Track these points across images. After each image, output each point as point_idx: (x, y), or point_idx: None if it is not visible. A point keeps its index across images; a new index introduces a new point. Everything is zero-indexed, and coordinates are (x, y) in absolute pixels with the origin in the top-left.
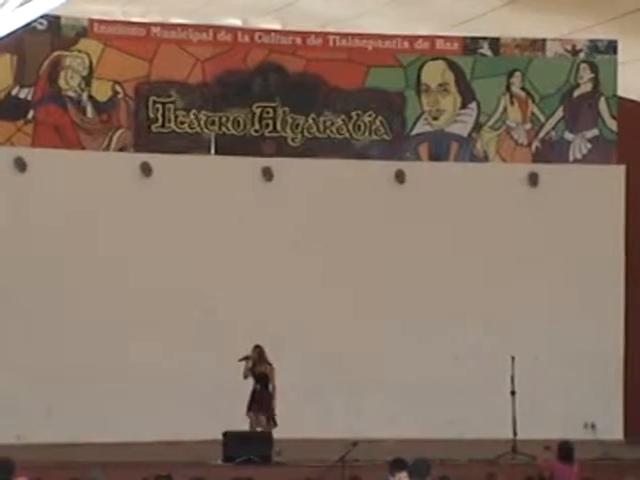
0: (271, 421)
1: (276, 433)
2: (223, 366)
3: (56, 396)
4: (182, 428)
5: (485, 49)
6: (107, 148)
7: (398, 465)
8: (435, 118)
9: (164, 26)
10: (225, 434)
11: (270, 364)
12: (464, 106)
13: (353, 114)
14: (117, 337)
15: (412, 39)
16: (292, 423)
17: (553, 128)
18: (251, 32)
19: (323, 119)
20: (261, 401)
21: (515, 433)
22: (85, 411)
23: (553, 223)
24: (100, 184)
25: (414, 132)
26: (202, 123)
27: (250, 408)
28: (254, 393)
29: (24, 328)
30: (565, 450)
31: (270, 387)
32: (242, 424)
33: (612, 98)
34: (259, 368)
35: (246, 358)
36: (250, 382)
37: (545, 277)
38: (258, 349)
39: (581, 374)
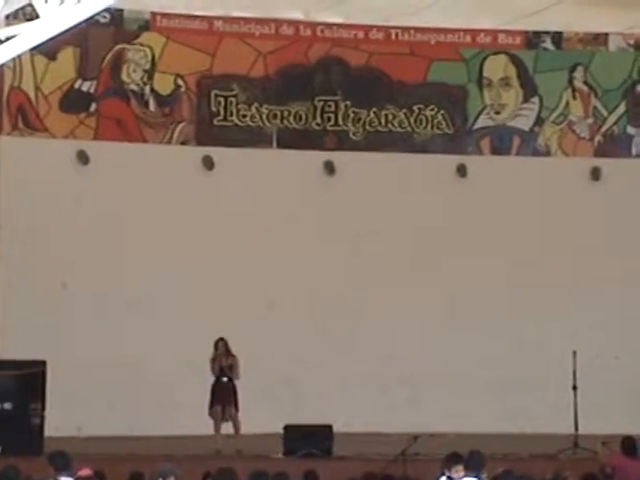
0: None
1: (338, 427)
2: (286, 359)
3: (117, 389)
4: (243, 421)
5: (547, 43)
6: (169, 141)
7: (454, 459)
8: (497, 112)
9: (226, 19)
10: (286, 427)
11: (234, 355)
12: (526, 100)
13: (415, 108)
14: (177, 330)
15: (474, 33)
16: (354, 417)
17: (615, 123)
18: (313, 26)
19: (385, 113)
20: (230, 393)
21: (577, 428)
22: (146, 404)
23: (615, 217)
24: (162, 177)
25: (476, 126)
26: (264, 117)
27: (218, 402)
28: (220, 386)
29: (84, 321)
30: (629, 445)
31: (235, 379)
32: (303, 417)
33: None
34: (227, 361)
35: (216, 358)
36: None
37: (607, 271)
38: (223, 342)
39: None
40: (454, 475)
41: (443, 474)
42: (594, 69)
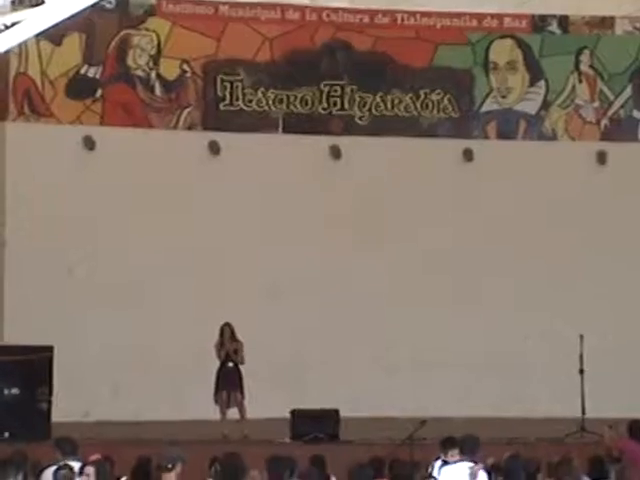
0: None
1: (345, 411)
2: (292, 344)
3: (123, 374)
4: (249, 406)
5: (554, 27)
6: (175, 126)
7: (449, 443)
8: (503, 96)
9: (232, 4)
10: (293, 412)
11: (239, 340)
12: (532, 84)
13: (421, 92)
14: (183, 315)
15: (480, 17)
16: (360, 401)
17: (622, 106)
18: (319, 10)
19: (391, 97)
20: (235, 378)
21: (584, 412)
22: (152, 389)
23: (622, 201)
24: (168, 162)
25: (482, 110)
26: (270, 101)
27: (223, 387)
28: (226, 371)
29: (90, 307)
30: (636, 428)
31: (240, 364)
32: (310, 402)
33: None
34: (232, 345)
35: (221, 343)
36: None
37: (614, 255)
38: (228, 327)
39: None
40: (449, 459)
41: (438, 458)
42: (600, 53)
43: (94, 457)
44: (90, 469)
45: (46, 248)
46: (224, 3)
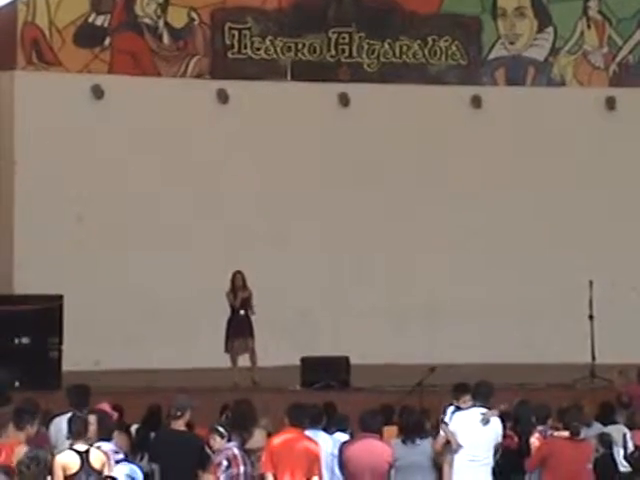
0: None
1: (355, 359)
2: (302, 292)
3: (133, 322)
4: (260, 354)
5: None
6: (183, 75)
7: (461, 389)
8: (512, 42)
9: None
10: (303, 360)
11: (249, 288)
12: (541, 30)
13: (429, 39)
14: (193, 263)
15: None
16: (370, 348)
17: (630, 51)
18: None
19: (399, 44)
20: (246, 326)
21: (593, 357)
22: (162, 337)
23: (630, 146)
24: (176, 111)
25: (490, 57)
26: (278, 49)
27: (235, 336)
28: (238, 319)
29: (100, 255)
30: None
31: (251, 313)
32: (320, 349)
33: None
34: (243, 294)
35: (234, 291)
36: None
37: (623, 201)
38: (240, 275)
39: None
40: (462, 405)
41: (451, 404)
42: None
43: (99, 406)
44: (92, 417)
45: (55, 196)
46: None
